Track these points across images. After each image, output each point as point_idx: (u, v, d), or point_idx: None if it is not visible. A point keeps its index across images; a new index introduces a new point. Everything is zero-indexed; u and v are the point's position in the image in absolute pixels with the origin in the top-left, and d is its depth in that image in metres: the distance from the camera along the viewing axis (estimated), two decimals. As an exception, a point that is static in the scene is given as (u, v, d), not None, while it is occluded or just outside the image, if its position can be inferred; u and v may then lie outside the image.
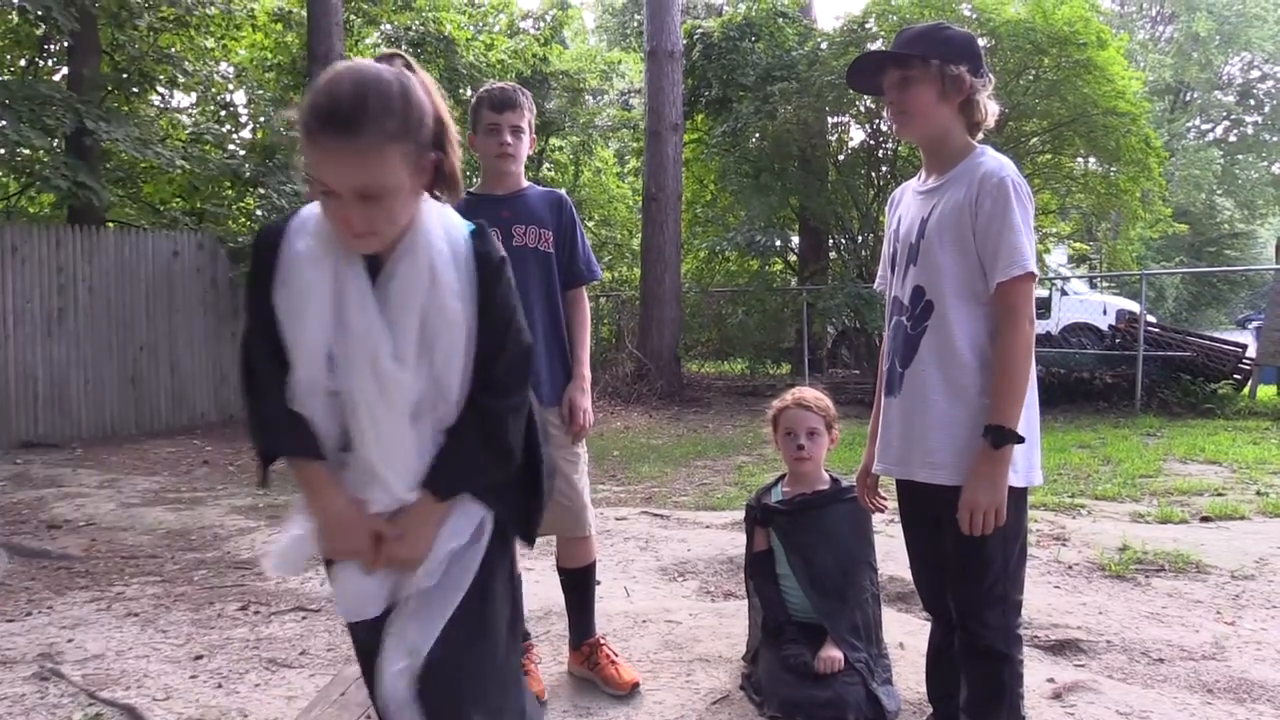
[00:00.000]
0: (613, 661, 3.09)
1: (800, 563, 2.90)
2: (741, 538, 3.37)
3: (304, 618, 4.00)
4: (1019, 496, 2.24)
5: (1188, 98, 35.10)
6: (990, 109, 2.31)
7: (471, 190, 3.19)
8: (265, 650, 3.58)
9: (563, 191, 3.34)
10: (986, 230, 2.19)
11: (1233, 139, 36.55)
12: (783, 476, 3.08)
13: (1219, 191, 34.92)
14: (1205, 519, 5.59)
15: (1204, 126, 36.04)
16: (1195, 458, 7.88)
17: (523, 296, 3.01)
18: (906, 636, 3.38)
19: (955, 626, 2.33)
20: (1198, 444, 8.43)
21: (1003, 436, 2.13)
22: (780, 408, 3.00)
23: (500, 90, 3.07)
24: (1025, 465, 2.24)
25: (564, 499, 3.06)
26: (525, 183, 3.17)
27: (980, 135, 2.35)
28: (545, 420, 3.09)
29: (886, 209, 2.58)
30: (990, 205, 2.18)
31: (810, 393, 3.03)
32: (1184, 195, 31.20)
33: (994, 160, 2.25)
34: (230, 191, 12.95)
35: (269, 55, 13.31)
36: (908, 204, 2.43)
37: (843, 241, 14.88)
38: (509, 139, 3.05)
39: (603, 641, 3.16)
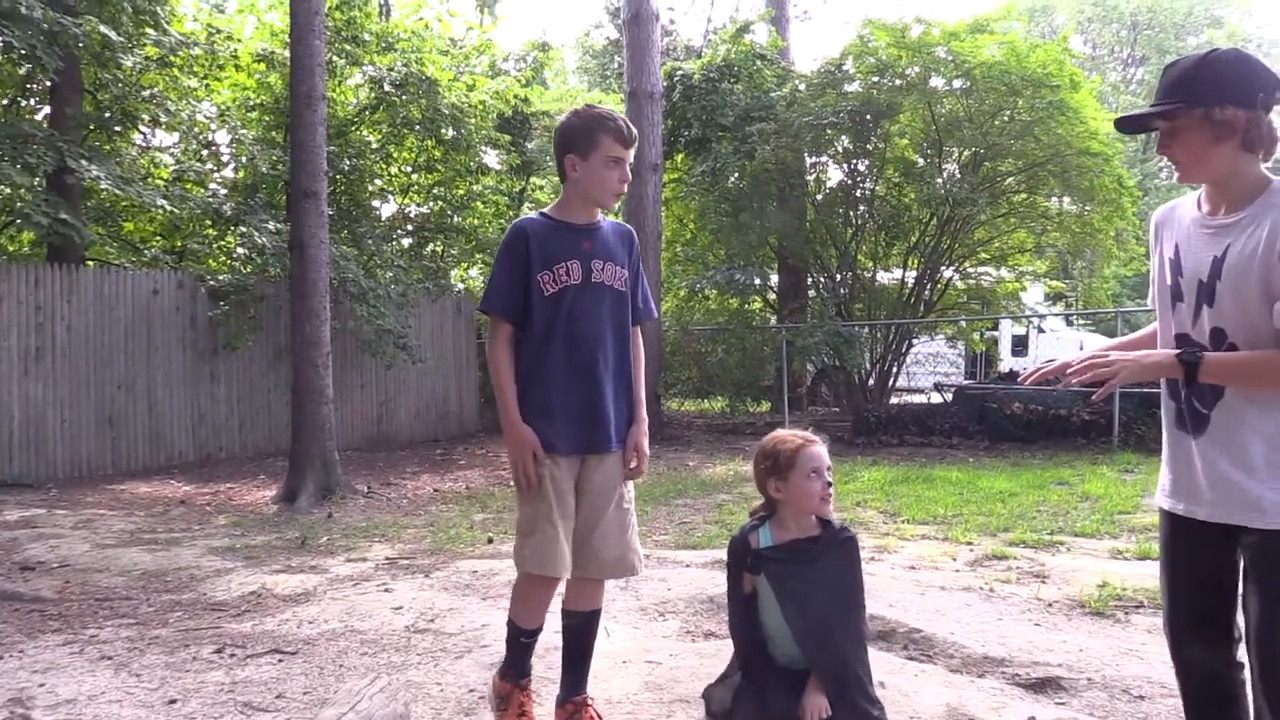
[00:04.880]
0: None
1: (795, 613, 2.67)
2: (722, 576, 3.34)
3: (280, 660, 3.95)
4: None
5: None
6: (1278, 132, 2.17)
7: (545, 212, 3.02)
8: (241, 694, 3.53)
9: (630, 227, 3.20)
10: None
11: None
12: (764, 518, 2.79)
13: (1192, 230, 35.36)
14: (1183, 555, 5.61)
15: (1176, 167, 36.64)
16: (1172, 494, 7.91)
17: (598, 336, 2.93)
18: (888, 675, 3.38)
19: (1261, 680, 2.21)
20: (1175, 480, 8.47)
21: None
22: (797, 446, 2.70)
23: (626, 122, 2.92)
24: None
25: (627, 538, 3.01)
26: (599, 214, 3.06)
27: (1270, 161, 2.22)
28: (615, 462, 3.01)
29: (1151, 229, 2.46)
30: None
31: (807, 430, 2.85)
32: (1157, 234, 31.58)
33: None
34: (211, 230, 12.94)
35: (252, 95, 13.35)
36: (1188, 235, 2.31)
37: (821, 280, 14.98)
38: (629, 174, 2.94)
39: (589, 702, 3.03)
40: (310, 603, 4.93)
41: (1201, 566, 2.35)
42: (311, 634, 4.34)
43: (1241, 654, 2.37)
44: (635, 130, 2.93)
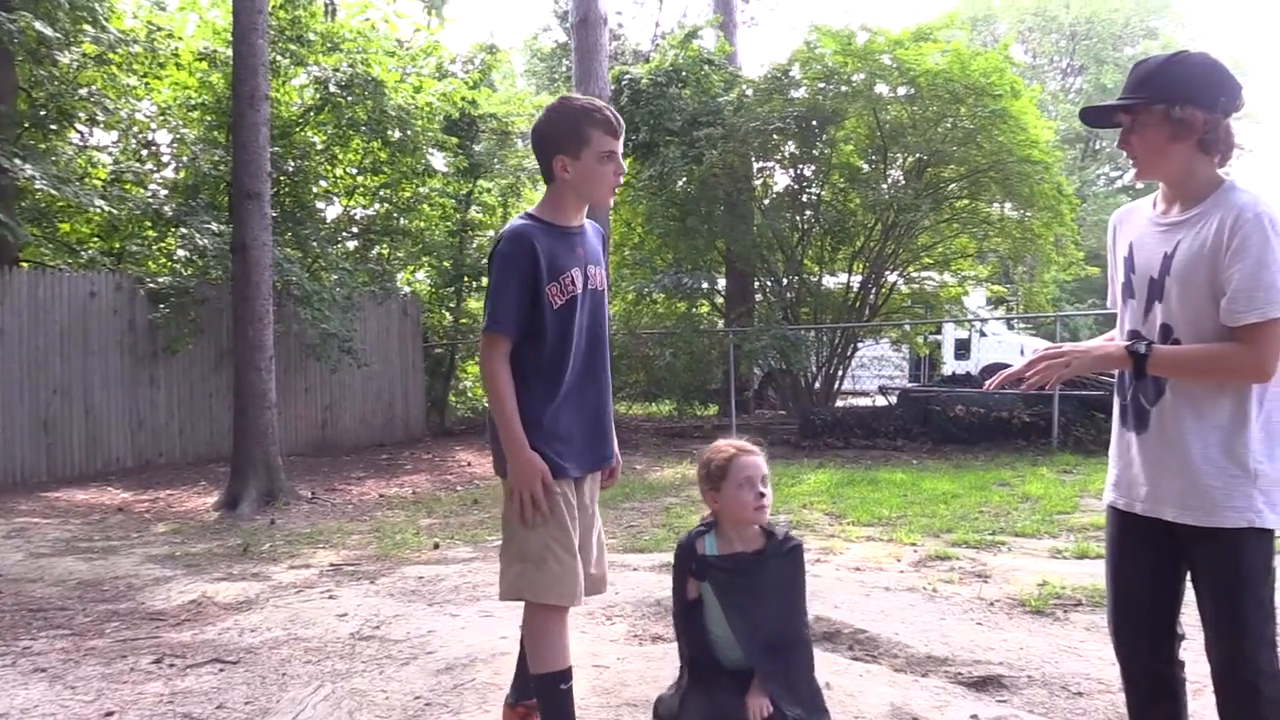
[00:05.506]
0: None
1: (740, 621, 2.68)
2: (669, 580, 3.35)
3: (221, 670, 3.89)
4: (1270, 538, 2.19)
5: (1097, 146, 36.46)
6: (1235, 137, 2.23)
7: (537, 216, 2.80)
8: (180, 705, 3.47)
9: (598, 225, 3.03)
10: (1231, 266, 2.11)
11: (1140, 186, 38.00)
12: (711, 525, 2.79)
13: (1128, 236, 36.17)
14: (1119, 554, 5.73)
15: (1113, 174, 37.42)
16: (1110, 495, 8.08)
17: (600, 346, 2.83)
18: (833, 676, 3.41)
19: (1220, 675, 2.24)
20: (1112, 481, 8.65)
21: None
22: (729, 456, 2.69)
23: (612, 110, 2.73)
24: None
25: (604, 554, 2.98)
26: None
27: (1226, 166, 2.27)
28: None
29: (1110, 230, 2.50)
30: (1240, 241, 2.10)
31: (745, 440, 2.83)
32: (1095, 239, 32.18)
33: (1245, 195, 2.16)
34: (151, 232, 12.69)
35: (194, 94, 13.10)
36: (1142, 233, 2.36)
37: (768, 284, 15.09)
38: (623, 165, 2.77)
39: None
40: (252, 611, 4.85)
41: (1145, 564, 2.39)
42: (254, 642, 4.27)
43: (1183, 653, 2.43)
44: (619, 117, 2.75)
